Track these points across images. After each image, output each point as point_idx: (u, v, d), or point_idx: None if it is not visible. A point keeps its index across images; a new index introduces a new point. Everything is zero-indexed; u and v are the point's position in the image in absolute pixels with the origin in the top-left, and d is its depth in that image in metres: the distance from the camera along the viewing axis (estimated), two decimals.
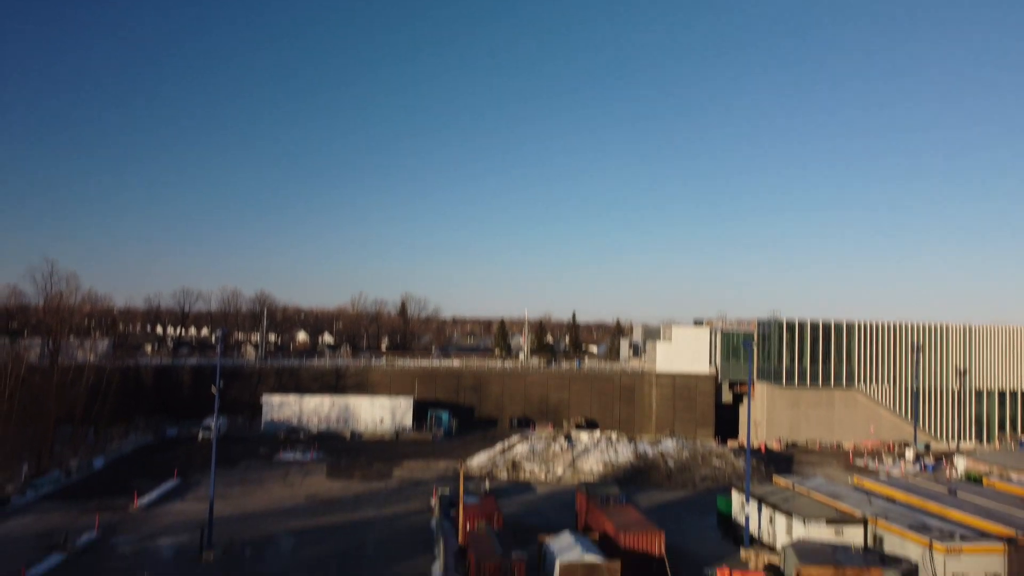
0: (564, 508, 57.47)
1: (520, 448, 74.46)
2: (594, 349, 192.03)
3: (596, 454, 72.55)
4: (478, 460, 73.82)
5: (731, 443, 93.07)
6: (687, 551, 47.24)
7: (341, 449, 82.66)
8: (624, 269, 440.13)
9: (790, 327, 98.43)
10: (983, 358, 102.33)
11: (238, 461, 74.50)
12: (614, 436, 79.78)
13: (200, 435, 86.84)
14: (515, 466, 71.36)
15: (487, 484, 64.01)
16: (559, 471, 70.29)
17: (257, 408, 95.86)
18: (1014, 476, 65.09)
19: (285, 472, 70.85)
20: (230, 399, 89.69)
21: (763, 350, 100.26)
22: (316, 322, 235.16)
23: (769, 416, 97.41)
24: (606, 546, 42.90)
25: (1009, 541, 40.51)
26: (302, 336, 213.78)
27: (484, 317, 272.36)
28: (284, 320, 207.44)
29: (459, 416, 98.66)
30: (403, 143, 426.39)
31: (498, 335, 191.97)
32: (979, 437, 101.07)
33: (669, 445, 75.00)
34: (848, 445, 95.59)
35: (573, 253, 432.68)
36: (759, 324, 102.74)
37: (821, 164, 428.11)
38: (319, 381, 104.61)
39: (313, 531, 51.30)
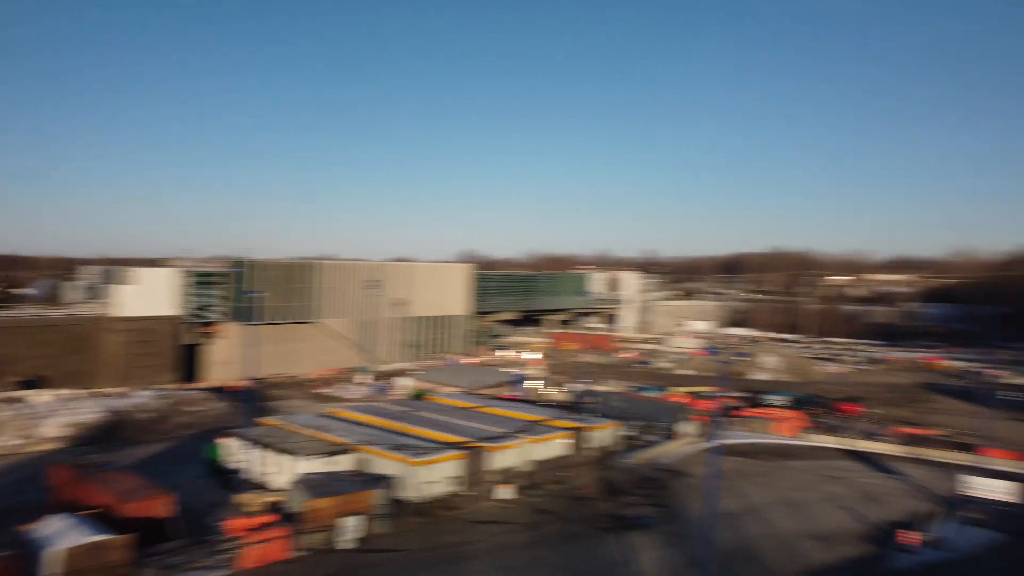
0: (32, 485, 50.75)
1: None
2: (29, 291, 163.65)
3: (57, 416, 64.99)
4: None
5: (197, 385, 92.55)
6: (185, 505, 46.80)
7: None
8: (69, 196, 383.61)
9: (260, 266, 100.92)
10: (415, 290, 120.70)
11: None
12: (74, 393, 72.24)
13: None
14: None
15: None
16: (13, 441, 61.11)
17: None
18: (448, 390, 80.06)
19: None
20: None
21: (233, 289, 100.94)
22: None
23: (240, 354, 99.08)
24: (108, 520, 40.16)
25: (462, 448, 50.87)
26: None
27: None
28: None
29: None
30: None
31: None
32: (411, 358, 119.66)
33: (142, 396, 71.37)
34: (311, 375, 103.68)
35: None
36: (229, 263, 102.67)
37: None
38: None
39: None
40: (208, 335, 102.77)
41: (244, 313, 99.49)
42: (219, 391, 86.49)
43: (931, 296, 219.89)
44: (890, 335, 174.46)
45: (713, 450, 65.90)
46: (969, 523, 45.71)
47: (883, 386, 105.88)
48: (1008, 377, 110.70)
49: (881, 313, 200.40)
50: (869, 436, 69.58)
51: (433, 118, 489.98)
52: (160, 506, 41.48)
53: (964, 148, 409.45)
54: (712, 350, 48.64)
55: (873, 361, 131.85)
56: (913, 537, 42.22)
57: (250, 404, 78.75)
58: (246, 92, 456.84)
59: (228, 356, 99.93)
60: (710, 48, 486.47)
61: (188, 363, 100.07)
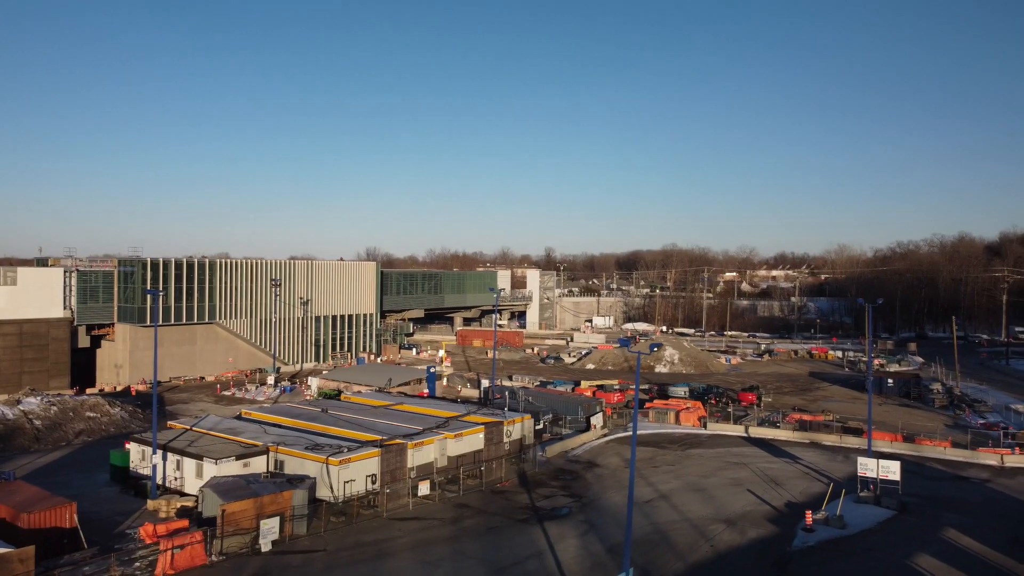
0: None
1: None
2: None
3: None
4: None
5: (91, 390, 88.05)
6: (91, 514, 44.80)
7: None
8: None
9: (153, 265, 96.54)
10: (320, 289, 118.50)
11: None
12: None
13: None
14: None
15: None
16: None
17: None
18: (359, 389, 79.14)
19: None
20: None
21: (124, 290, 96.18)
22: None
23: (132, 358, 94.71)
24: (6, 533, 38.00)
25: (379, 445, 50.60)
26: None
27: None
28: None
29: None
30: None
31: None
32: (317, 358, 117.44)
33: (32, 403, 67.18)
34: (211, 378, 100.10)
35: None
36: (119, 263, 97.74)
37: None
38: None
39: None
40: (99, 338, 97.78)
41: (137, 314, 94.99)
42: (115, 396, 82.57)
43: (811, 290, 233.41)
44: (778, 328, 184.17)
45: (622, 441, 68.33)
46: (861, 501, 49.15)
47: (776, 376, 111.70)
48: (885, 366, 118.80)
49: (768, 307, 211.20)
50: (767, 423, 73.33)
51: (329, 114, 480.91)
52: (62, 515, 39.49)
53: (840, 152, 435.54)
54: (625, 342, 49.88)
55: (765, 352, 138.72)
56: (812, 516, 45.05)
57: (151, 408, 75.61)
58: (131, 84, 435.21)
59: (122, 359, 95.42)
60: (601, 47, 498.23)
61: (79, 368, 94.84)
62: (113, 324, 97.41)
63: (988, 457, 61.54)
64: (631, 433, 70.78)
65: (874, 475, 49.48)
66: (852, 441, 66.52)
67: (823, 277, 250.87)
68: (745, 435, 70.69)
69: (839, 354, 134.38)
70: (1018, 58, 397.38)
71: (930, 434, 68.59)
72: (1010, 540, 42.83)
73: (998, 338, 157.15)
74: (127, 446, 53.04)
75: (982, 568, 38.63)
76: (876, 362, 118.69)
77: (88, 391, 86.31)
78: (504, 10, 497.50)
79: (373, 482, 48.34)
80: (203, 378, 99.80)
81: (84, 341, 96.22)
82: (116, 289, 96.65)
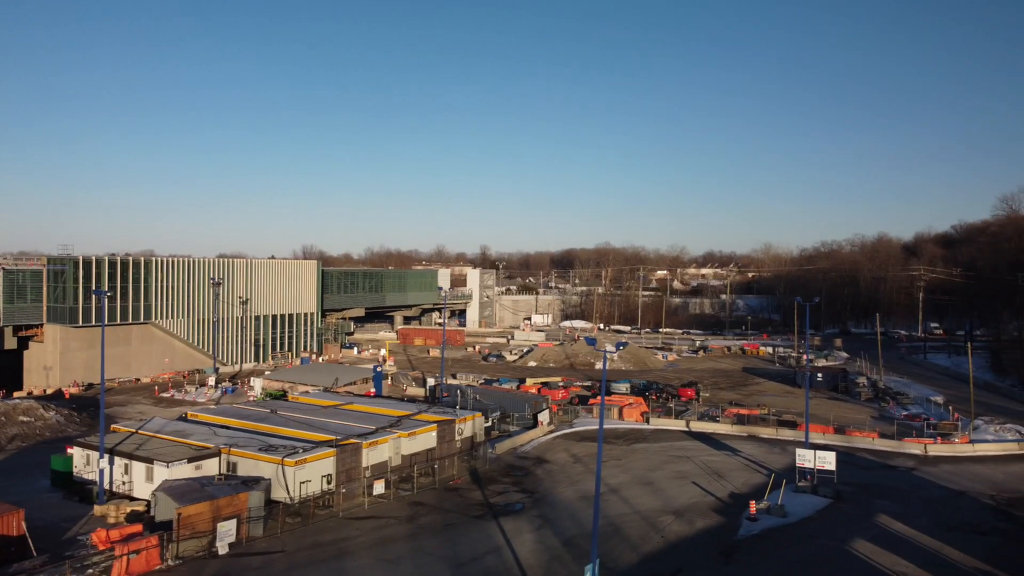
0: None
1: None
2: None
3: None
4: None
5: (20, 394, 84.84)
6: (35, 521, 43.42)
7: None
8: None
9: (85, 264, 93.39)
10: (260, 288, 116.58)
11: None
12: None
13: None
14: None
15: None
16: None
17: None
18: (307, 389, 78.44)
19: None
20: None
21: (54, 289, 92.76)
22: None
23: (63, 359, 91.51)
24: None
25: (334, 445, 50.58)
26: None
27: None
28: None
29: None
30: None
31: None
32: (257, 358, 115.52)
33: None
34: (147, 379, 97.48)
35: None
36: (48, 261, 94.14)
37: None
38: None
39: None
40: (27, 339, 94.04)
41: (68, 314, 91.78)
42: (47, 399, 79.77)
43: (740, 288, 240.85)
44: (710, 325, 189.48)
45: (569, 437, 69.72)
46: (800, 491, 51.62)
47: (712, 371, 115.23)
48: (813, 361, 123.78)
49: (700, 304, 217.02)
50: (706, 418, 75.85)
51: (257, 109, 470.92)
52: (9, 523, 38.39)
53: (764, 152, 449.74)
54: (591, 340, 51.52)
55: (700, 349, 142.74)
56: (755, 506, 47.16)
57: (87, 412, 73.44)
58: (56, 73, 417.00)
59: (52, 361, 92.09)
60: (544, 45, 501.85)
61: (5, 370, 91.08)
62: (42, 325, 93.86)
63: (913, 447, 65.19)
64: (577, 429, 72.54)
65: (811, 465, 51.98)
66: (787, 433, 69.51)
67: (751, 275, 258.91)
68: (686, 429, 73.01)
69: (770, 350, 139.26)
70: (938, 63, 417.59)
71: (859, 426, 72.12)
72: (936, 523, 45.73)
73: (916, 334, 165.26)
74: (69, 450, 51.59)
75: (912, 550, 41.20)
76: (805, 357, 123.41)
77: (16, 394, 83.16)
78: (435, 5, 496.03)
79: (329, 482, 48.33)
80: (139, 379, 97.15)
81: (11, 342, 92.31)
82: (45, 288, 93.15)
